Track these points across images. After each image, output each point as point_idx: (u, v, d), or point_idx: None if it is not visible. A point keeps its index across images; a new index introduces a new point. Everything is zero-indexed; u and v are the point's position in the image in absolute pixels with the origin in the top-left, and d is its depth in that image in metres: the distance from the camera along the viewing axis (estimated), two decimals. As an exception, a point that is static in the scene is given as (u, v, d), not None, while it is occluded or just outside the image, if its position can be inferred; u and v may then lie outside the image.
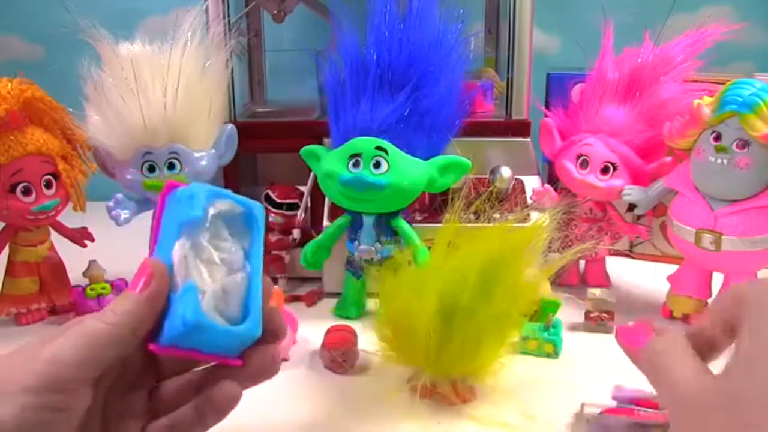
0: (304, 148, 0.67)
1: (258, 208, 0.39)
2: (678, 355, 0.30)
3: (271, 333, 0.36)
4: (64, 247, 0.72)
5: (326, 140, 0.70)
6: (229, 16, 0.76)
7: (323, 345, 0.59)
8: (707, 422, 0.27)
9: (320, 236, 0.69)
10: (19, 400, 0.30)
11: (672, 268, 0.70)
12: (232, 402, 0.35)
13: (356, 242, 0.67)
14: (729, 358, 0.28)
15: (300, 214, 0.74)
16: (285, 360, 0.60)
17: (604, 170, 0.69)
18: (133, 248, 0.77)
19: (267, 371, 0.36)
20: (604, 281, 0.77)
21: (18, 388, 0.30)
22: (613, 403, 0.53)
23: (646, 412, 0.51)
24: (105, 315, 0.33)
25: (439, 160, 0.64)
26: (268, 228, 0.73)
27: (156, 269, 0.33)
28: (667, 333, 0.32)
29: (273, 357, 0.37)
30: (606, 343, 0.65)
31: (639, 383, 0.54)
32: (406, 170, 0.62)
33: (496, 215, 0.65)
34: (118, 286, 0.70)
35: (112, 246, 0.73)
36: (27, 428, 0.30)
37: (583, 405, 0.51)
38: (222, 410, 0.35)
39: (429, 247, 0.62)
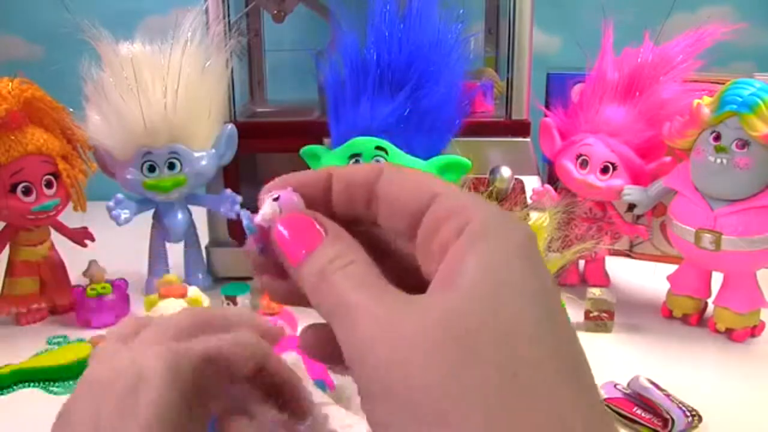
0: (304, 148, 0.67)
1: None
2: (355, 275, 0.21)
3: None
4: (64, 247, 0.72)
5: (326, 140, 0.70)
6: (229, 16, 0.76)
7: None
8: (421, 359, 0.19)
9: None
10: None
11: (672, 268, 0.70)
12: None
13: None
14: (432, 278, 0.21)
15: (300, 214, 0.74)
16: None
17: (604, 170, 0.69)
18: (133, 248, 0.78)
19: None
20: (604, 281, 0.77)
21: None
22: (618, 394, 0.53)
23: (643, 414, 0.51)
24: None
25: (439, 160, 0.64)
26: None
27: None
28: (339, 240, 0.23)
29: None
30: (606, 343, 0.65)
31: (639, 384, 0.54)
32: (406, 170, 0.62)
33: (496, 215, 0.65)
34: (119, 286, 0.70)
35: (112, 246, 0.73)
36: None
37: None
38: None
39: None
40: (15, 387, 0.58)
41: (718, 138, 0.61)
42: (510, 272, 0.20)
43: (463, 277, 0.20)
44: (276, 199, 0.24)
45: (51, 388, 0.58)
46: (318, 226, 0.23)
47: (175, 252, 0.77)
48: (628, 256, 0.86)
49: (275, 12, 0.84)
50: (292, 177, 0.25)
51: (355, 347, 0.20)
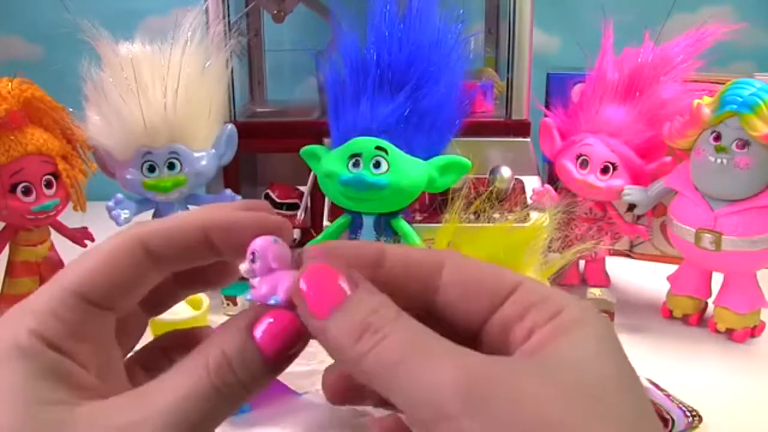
0: (304, 148, 0.67)
1: None
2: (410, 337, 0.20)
3: None
4: (64, 247, 0.72)
5: (326, 140, 0.70)
6: (229, 16, 0.76)
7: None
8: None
9: (320, 236, 0.69)
10: None
11: (672, 268, 0.70)
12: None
13: (356, 242, 0.67)
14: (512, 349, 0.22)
15: (300, 214, 0.74)
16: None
17: (604, 170, 0.69)
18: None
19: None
20: (604, 281, 0.77)
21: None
22: None
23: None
24: None
25: (439, 160, 0.64)
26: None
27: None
28: (374, 292, 0.21)
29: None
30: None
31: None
32: (406, 170, 0.62)
33: (496, 215, 0.65)
34: (118, 286, 0.70)
35: (112, 246, 0.73)
36: None
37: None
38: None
39: (429, 248, 0.62)
40: (15, 387, 0.58)
41: (718, 138, 0.61)
42: (599, 347, 0.21)
43: (556, 349, 0.20)
44: (253, 260, 0.22)
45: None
46: (344, 279, 0.21)
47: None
48: (628, 256, 0.86)
49: (275, 12, 0.84)
50: (337, 248, 0.23)
51: (445, 403, 0.18)
